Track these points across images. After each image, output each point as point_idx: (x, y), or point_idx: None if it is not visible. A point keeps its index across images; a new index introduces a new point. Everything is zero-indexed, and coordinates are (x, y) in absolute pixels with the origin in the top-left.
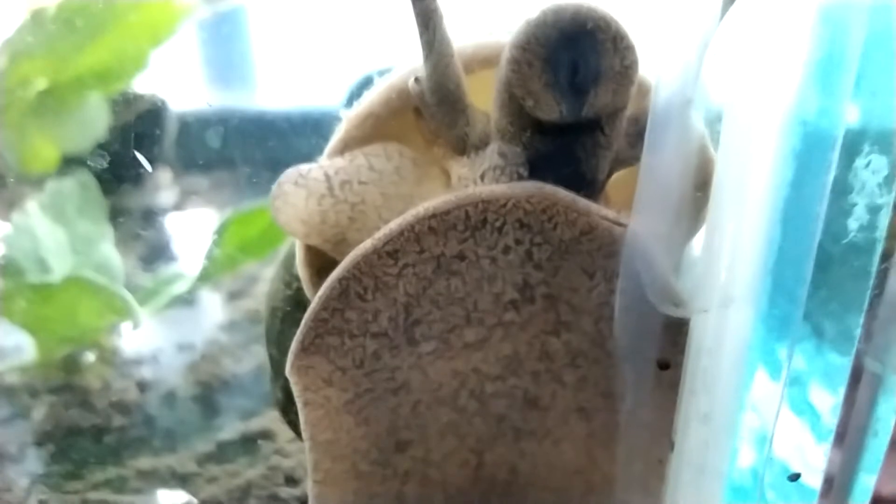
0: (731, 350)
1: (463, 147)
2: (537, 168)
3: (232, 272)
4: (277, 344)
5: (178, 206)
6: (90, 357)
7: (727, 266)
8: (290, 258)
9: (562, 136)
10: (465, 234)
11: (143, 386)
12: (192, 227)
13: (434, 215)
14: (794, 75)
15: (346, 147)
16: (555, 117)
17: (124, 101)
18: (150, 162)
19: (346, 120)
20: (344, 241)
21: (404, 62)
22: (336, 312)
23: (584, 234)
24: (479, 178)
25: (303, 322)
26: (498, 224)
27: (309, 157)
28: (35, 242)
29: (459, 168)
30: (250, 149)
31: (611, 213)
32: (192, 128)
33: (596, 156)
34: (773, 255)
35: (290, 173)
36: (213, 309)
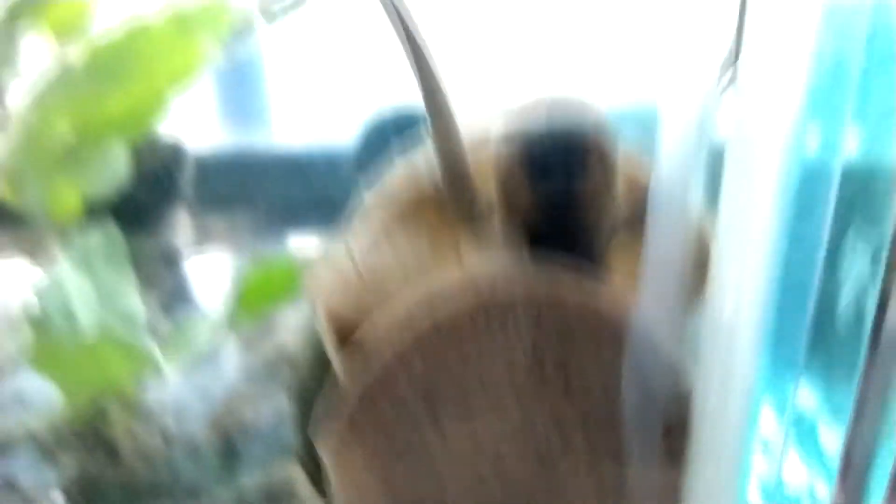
0: (735, 414)
1: (469, 220)
2: (538, 242)
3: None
4: (300, 400)
5: (196, 249)
6: (116, 408)
7: (728, 332)
8: (315, 313)
9: (553, 215)
10: (476, 309)
11: (167, 437)
12: (211, 269)
13: (446, 294)
14: (791, 113)
15: (369, 227)
16: (534, 213)
17: (144, 148)
18: (169, 205)
19: (368, 200)
20: (369, 320)
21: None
22: (359, 383)
23: (591, 311)
24: (482, 254)
25: (328, 395)
26: (507, 301)
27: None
28: (65, 297)
29: (466, 244)
30: (269, 189)
31: (617, 294)
32: (210, 169)
33: (592, 227)
34: (773, 312)
35: (321, 255)
36: (232, 353)
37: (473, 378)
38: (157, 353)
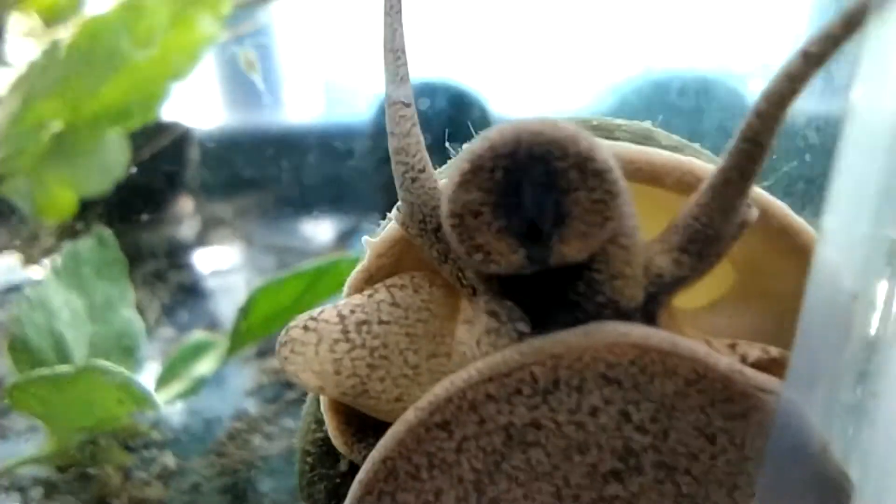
0: None
1: (461, 285)
2: (538, 320)
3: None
4: (308, 493)
5: (201, 240)
6: (108, 443)
7: None
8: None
9: (538, 285)
10: (535, 398)
11: (165, 478)
12: (218, 261)
13: (491, 379)
14: None
15: (370, 279)
16: (513, 270)
17: (145, 135)
18: (173, 193)
19: (370, 247)
20: (365, 394)
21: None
22: (385, 496)
23: (692, 384)
24: (475, 346)
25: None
26: (575, 383)
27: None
28: (49, 316)
29: (460, 327)
30: (280, 171)
31: (725, 357)
32: (217, 152)
33: (601, 291)
34: None
35: (301, 317)
36: (238, 370)
37: (545, 485)
38: (150, 392)
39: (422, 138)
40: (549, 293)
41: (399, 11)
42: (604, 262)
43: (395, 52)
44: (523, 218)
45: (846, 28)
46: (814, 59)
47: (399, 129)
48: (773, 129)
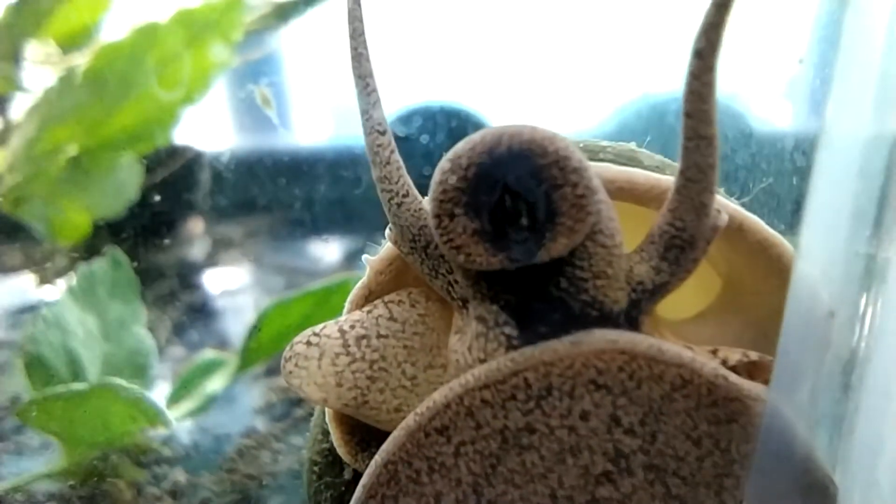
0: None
1: (451, 298)
2: (525, 322)
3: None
4: (316, 501)
5: (212, 261)
6: (121, 459)
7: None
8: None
9: (523, 281)
10: (529, 404)
11: (176, 493)
12: (228, 282)
13: (486, 386)
14: None
15: (369, 295)
16: (496, 268)
17: (158, 159)
18: (184, 215)
19: (369, 265)
20: (366, 404)
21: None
22: (387, 500)
23: (677, 389)
24: (467, 352)
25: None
26: (566, 388)
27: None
28: (64, 335)
29: (452, 337)
30: (289, 192)
31: (709, 362)
32: (228, 175)
33: (585, 290)
34: None
35: (304, 332)
36: (248, 388)
37: (541, 487)
38: (162, 408)
39: (402, 163)
40: (534, 289)
41: (363, 34)
42: (586, 260)
43: (363, 79)
44: (496, 218)
45: (720, 13)
46: (705, 51)
47: (379, 159)
48: (708, 121)
